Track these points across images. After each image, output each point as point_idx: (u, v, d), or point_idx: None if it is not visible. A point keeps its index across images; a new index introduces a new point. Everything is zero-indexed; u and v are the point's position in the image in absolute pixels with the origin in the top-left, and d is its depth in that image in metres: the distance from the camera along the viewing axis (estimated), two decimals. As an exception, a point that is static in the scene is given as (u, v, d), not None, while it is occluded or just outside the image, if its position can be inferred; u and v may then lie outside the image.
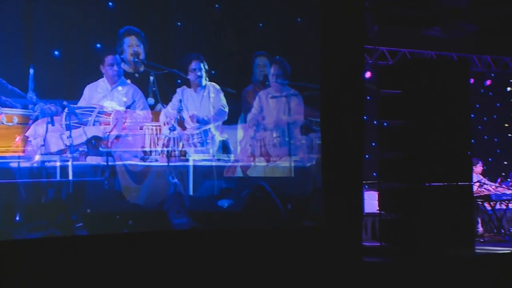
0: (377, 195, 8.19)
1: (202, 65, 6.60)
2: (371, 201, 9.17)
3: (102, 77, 6.26)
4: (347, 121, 6.87)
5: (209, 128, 6.65)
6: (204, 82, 6.64)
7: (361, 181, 7.11)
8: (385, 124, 8.37)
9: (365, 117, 7.56)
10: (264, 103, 6.93)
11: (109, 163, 6.10)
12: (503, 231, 9.75)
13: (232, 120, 6.77)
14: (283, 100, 6.99)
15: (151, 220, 6.26)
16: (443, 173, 7.63)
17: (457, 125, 7.75)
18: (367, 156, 10.69)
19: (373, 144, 10.61)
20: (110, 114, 6.23)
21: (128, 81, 6.36)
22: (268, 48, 6.91)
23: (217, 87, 6.70)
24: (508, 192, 10.21)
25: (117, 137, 6.21)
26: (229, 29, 6.78)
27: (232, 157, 6.71)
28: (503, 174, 12.30)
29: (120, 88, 6.31)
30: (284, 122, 6.99)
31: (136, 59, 6.37)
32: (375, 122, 9.25)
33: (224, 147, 6.72)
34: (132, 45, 6.33)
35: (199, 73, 6.59)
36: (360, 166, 6.95)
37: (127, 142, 6.26)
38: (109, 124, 6.19)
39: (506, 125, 14.54)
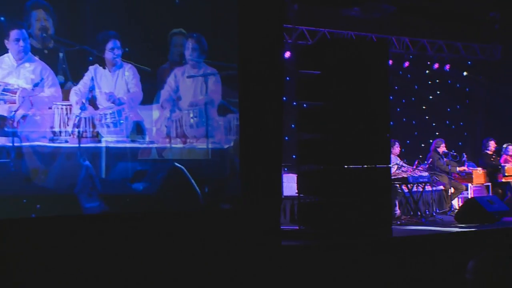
0: (296, 178, 8.40)
1: (119, 43, 6.59)
2: (290, 184, 9.44)
3: (7, 52, 6.16)
4: (266, 102, 6.96)
5: (123, 108, 6.65)
6: (120, 61, 6.64)
7: (280, 163, 7.29)
8: (304, 105, 8.61)
9: (284, 98, 7.71)
10: (181, 82, 6.96)
11: (15, 144, 6.02)
12: (419, 213, 10.25)
13: (147, 100, 6.78)
14: (200, 80, 7.06)
15: (61, 204, 6.21)
16: (361, 155, 7.92)
17: (376, 107, 8.06)
18: (286, 138, 10.98)
19: (293, 126, 10.91)
20: (16, 92, 6.14)
21: (36, 57, 6.26)
22: (185, 25, 6.93)
23: (133, 66, 6.71)
24: (425, 174, 10.73)
25: (24, 116, 6.14)
26: (144, 5, 6.79)
27: (147, 138, 6.75)
28: (421, 156, 12.92)
29: (27, 64, 6.22)
30: (202, 102, 7.06)
31: (45, 34, 6.28)
32: (294, 103, 9.48)
33: (139, 128, 6.75)
34: (40, 19, 6.23)
35: (116, 52, 6.58)
36: (279, 148, 7.07)
37: (35, 122, 6.20)
38: (15, 103, 6.11)
39: (424, 107, 15.23)
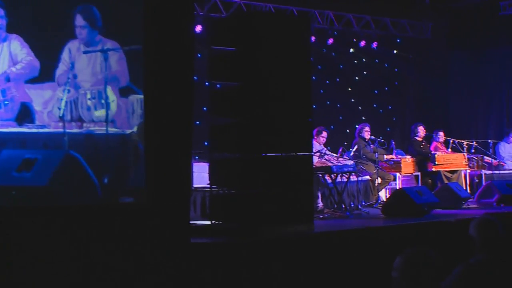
0: (208, 167, 8.42)
1: (3, 12, 6.40)
2: (201, 174, 9.46)
3: None
4: (174, 82, 6.92)
5: (9, 87, 6.49)
6: (4, 33, 6.46)
7: (190, 151, 7.29)
8: (217, 85, 8.62)
9: (195, 78, 7.71)
10: (76, 58, 6.85)
11: None
12: (344, 206, 10.47)
13: (37, 77, 6.66)
14: (99, 56, 6.96)
15: None
16: (281, 142, 8.02)
17: (297, 88, 8.17)
18: (197, 122, 10.98)
19: (204, 108, 10.89)
20: None
21: None
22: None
23: (21, 38, 6.54)
24: (350, 163, 10.98)
25: None
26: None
27: (36, 122, 6.62)
28: (345, 143, 13.19)
29: None
30: (101, 81, 6.97)
31: None
32: (206, 83, 9.47)
33: (26, 110, 6.61)
34: None
35: (0, 22, 6.40)
36: (189, 133, 7.06)
37: None
38: None
39: (349, 89, 15.55)
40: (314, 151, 10.00)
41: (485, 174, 13.15)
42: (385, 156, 12.33)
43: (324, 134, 11.52)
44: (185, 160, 7.16)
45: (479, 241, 4.18)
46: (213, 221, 8.01)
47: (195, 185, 9.32)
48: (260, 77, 7.89)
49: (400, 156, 12.77)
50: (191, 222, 7.37)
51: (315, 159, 10.62)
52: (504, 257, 4.11)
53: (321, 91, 14.72)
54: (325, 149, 11.37)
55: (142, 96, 7.04)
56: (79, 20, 6.87)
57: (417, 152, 12.83)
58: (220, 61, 8.07)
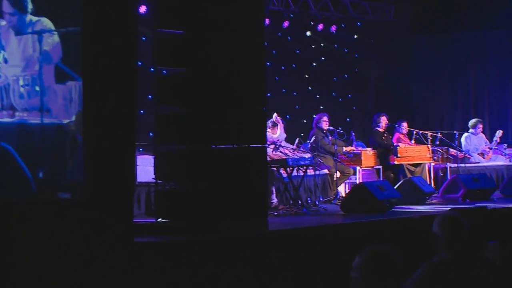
0: (153, 160, 8.38)
1: None
2: (146, 168, 9.40)
3: None
4: (115, 67, 6.87)
5: None
6: None
7: (134, 142, 7.24)
8: (164, 72, 8.58)
9: (139, 63, 7.67)
10: (6, 40, 6.76)
11: None
12: (300, 202, 10.52)
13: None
14: (32, 38, 6.87)
15: None
16: (232, 133, 8.02)
17: (250, 75, 8.17)
18: (141, 111, 10.90)
19: (150, 96, 10.84)
20: None
21: None
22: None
23: None
24: (307, 156, 11.03)
25: None
26: None
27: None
28: (302, 134, 13.26)
29: None
30: (34, 66, 6.88)
31: None
32: (151, 69, 9.42)
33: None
34: None
35: None
36: (133, 124, 7.03)
37: None
38: None
39: (306, 76, 15.62)
40: (268, 142, 10.03)
41: (450, 167, 13.34)
42: (344, 148, 12.41)
43: (281, 126, 11.51)
44: (128, 153, 7.13)
45: (443, 239, 4.24)
46: (158, 219, 7.98)
47: (139, 180, 9.27)
48: (210, 63, 7.87)
49: (360, 148, 12.87)
50: (134, 220, 7.34)
51: (270, 151, 10.65)
52: (470, 256, 4.18)
53: (276, 78, 14.75)
54: (281, 140, 11.40)
55: (80, 83, 6.95)
56: (7, 7, 6.74)
57: (378, 144, 12.95)
58: (166, 45, 8.03)
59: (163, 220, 7.98)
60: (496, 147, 14.53)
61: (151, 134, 10.20)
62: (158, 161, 8.15)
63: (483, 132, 14.84)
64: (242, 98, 8.07)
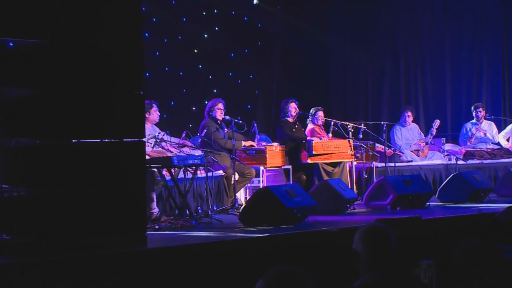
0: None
1: None
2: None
3: None
4: None
5: None
6: None
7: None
8: (10, 44, 8.46)
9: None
10: None
11: None
12: (188, 212, 10.51)
13: None
14: None
15: None
16: (100, 124, 7.93)
17: (122, 49, 8.06)
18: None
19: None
20: None
21: None
22: None
23: None
24: (197, 153, 11.03)
25: None
26: None
27: None
28: (191, 126, 13.27)
29: None
30: None
31: None
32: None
33: None
34: None
35: None
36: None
37: None
38: None
39: (196, 50, 15.62)
40: (147, 136, 10.00)
41: (376, 167, 13.61)
42: (244, 143, 12.48)
43: (155, 108, 11.49)
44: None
45: (366, 257, 4.32)
46: (3, 235, 7.86)
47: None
48: (70, 33, 7.78)
49: (264, 144, 12.94)
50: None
51: (149, 147, 10.61)
52: (398, 278, 4.27)
53: (157, 53, 14.72)
54: (163, 133, 11.37)
55: None
56: None
57: (287, 138, 13.08)
58: (12, 10, 7.89)
59: (9, 236, 7.86)
60: (432, 142, 14.88)
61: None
62: (2, 160, 8.02)
63: (416, 122, 15.18)
64: (112, 79, 8.01)
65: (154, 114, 11.56)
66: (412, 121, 15.02)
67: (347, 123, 13.33)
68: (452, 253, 4.34)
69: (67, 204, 7.67)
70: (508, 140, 15.66)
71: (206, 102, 12.67)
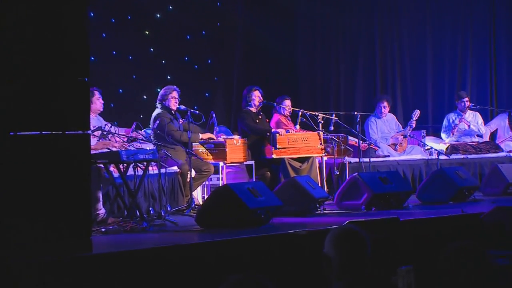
0: None
1: None
2: None
3: None
4: None
5: None
6: None
7: None
8: None
9: None
10: None
11: None
12: (139, 213, 10.48)
13: None
14: None
15: None
16: (39, 114, 7.89)
17: (62, 29, 8.04)
18: None
19: None
20: None
21: None
22: None
23: None
24: (148, 148, 10.99)
25: None
26: None
27: None
28: (141, 116, 13.24)
29: None
30: None
31: None
32: None
33: None
34: None
35: None
36: None
37: None
38: None
39: (147, 32, 15.58)
40: (93, 127, 9.96)
41: (349, 163, 13.65)
42: (201, 136, 12.46)
43: (97, 95, 11.42)
44: None
45: (338, 263, 4.32)
46: None
47: None
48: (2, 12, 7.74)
49: (224, 136, 12.94)
50: None
51: (94, 140, 10.57)
52: (373, 285, 4.28)
53: (103, 34, 14.67)
54: (110, 124, 11.33)
55: None
56: None
57: (250, 130, 13.09)
58: None
59: None
60: (412, 135, 14.94)
61: None
62: None
63: (393, 112, 15.23)
64: (50, 63, 7.96)
65: (96, 103, 11.48)
66: (389, 112, 15.05)
67: (317, 114, 13.34)
68: (438, 256, 4.35)
69: (4, 209, 7.62)
70: (496, 131, 15.77)
71: (159, 90, 12.64)
